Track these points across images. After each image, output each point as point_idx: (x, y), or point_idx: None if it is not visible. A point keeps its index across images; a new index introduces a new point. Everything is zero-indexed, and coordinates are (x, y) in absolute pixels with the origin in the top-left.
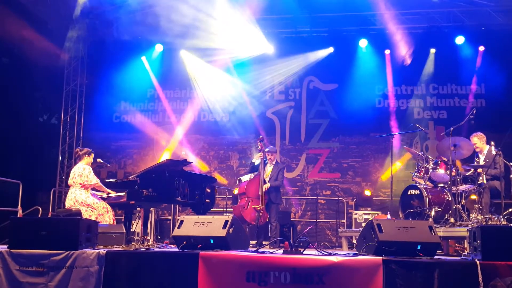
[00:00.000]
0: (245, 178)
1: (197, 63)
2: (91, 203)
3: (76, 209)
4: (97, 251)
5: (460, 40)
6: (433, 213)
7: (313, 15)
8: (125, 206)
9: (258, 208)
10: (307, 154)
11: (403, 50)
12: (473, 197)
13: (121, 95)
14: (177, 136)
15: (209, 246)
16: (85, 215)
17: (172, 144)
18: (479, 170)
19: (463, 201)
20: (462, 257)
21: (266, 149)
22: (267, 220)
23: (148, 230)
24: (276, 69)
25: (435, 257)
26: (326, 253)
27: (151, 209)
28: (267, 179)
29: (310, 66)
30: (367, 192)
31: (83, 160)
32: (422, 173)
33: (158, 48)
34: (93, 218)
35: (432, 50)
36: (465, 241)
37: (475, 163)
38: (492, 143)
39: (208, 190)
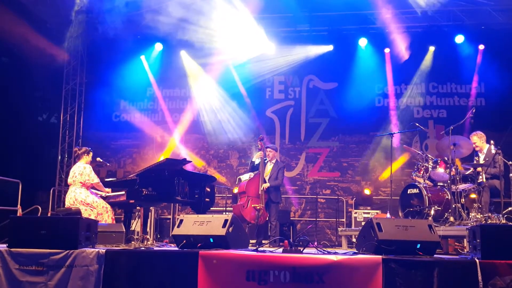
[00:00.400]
0: (245, 177)
1: (196, 62)
2: (91, 202)
3: (75, 208)
4: (96, 250)
5: (460, 39)
6: (432, 212)
7: (313, 14)
8: (124, 205)
9: (258, 207)
10: (307, 153)
11: (403, 49)
12: (473, 196)
13: (121, 94)
14: (177, 135)
15: (209, 245)
16: (85, 214)
17: (171, 143)
18: (479, 169)
19: (463, 200)
20: (461, 256)
21: (267, 146)
22: (267, 219)
23: (148, 229)
24: (276, 68)
25: (435, 256)
26: (326, 252)
27: (151, 208)
28: (266, 178)
29: (310, 65)
30: (367, 191)
31: (82, 159)
32: (421, 172)
33: (158, 47)
34: (92, 217)
35: (431, 48)
36: (465, 240)
37: (475, 162)
38: (492, 142)
39: (208, 189)
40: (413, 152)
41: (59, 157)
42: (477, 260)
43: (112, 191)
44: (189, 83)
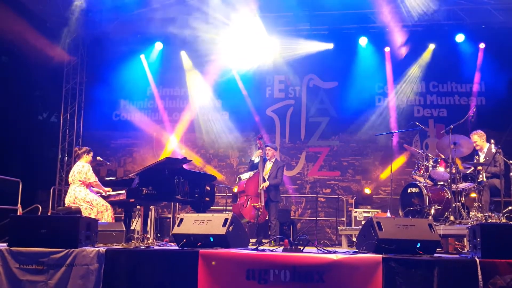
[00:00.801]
0: (245, 176)
1: (197, 61)
2: (91, 200)
3: (75, 207)
4: (97, 249)
5: (460, 38)
6: (433, 211)
7: (313, 13)
8: (125, 204)
9: (258, 206)
10: (307, 152)
11: (403, 48)
12: (473, 195)
13: (121, 93)
14: (177, 134)
15: (209, 244)
16: (85, 212)
17: (171, 142)
18: (479, 168)
19: (463, 199)
20: (461, 255)
21: (266, 145)
22: (267, 218)
23: (148, 228)
24: (276, 67)
25: (435, 255)
26: (326, 251)
27: (151, 207)
28: (266, 177)
29: (310, 64)
30: (367, 190)
31: (83, 158)
32: (422, 171)
33: (158, 46)
34: (92, 215)
35: (431, 45)
36: (465, 239)
37: (475, 161)
38: (492, 141)
39: (208, 188)
40: (413, 151)
41: (59, 156)
42: (477, 259)
43: (112, 190)
44: (189, 82)
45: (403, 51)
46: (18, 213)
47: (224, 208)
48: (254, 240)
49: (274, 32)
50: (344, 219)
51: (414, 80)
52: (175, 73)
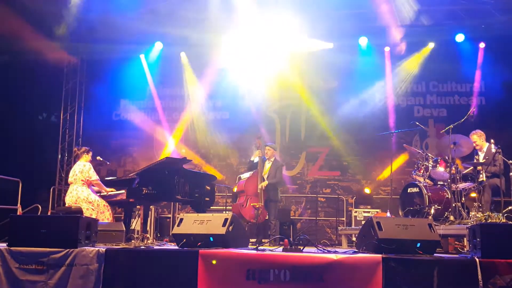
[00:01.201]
0: (245, 176)
1: (196, 61)
2: (93, 201)
3: (76, 207)
4: (96, 249)
5: (460, 37)
6: (432, 211)
7: (313, 13)
8: (124, 204)
9: (257, 206)
10: (307, 152)
11: (403, 48)
12: (473, 195)
13: (121, 93)
14: (177, 134)
15: (209, 244)
16: (86, 213)
17: (171, 142)
18: (479, 168)
19: (463, 199)
20: (461, 255)
21: (266, 144)
22: (266, 218)
23: (148, 228)
24: (276, 66)
25: (435, 255)
26: (326, 251)
27: (151, 207)
28: (265, 177)
29: (310, 64)
30: (367, 190)
31: (82, 158)
32: (421, 171)
33: (158, 46)
34: (94, 215)
35: (431, 44)
36: (465, 239)
37: (475, 161)
38: (492, 140)
39: (208, 188)
40: (413, 151)
41: (59, 156)
42: (477, 259)
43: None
44: (189, 82)
45: (403, 50)
46: (18, 213)
47: (224, 208)
48: (254, 240)
49: (274, 32)
50: (344, 219)
51: (414, 80)
52: (175, 73)
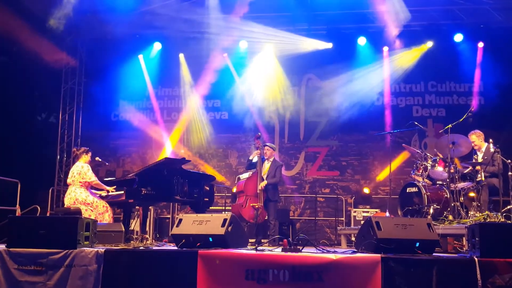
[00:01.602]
0: (244, 176)
1: (195, 61)
2: (91, 202)
3: (75, 208)
4: (95, 249)
5: (458, 37)
6: (431, 210)
7: (312, 13)
8: (124, 204)
9: (257, 206)
10: (306, 152)
11: (402, 48)
12: (472, 194)
13: (120, 94)
14: (176, 134)
15: (208, 245)
16: (85, 214)
17: (170, 142)
18: (478, 167)
19: (462, 198)
20: (460, 254)
21: (265, 144)
22: (266, 218)
23: (147, 229)
24: (274, 66)
25: (434, 254)
26: (325, 251)
27: (150, 207)
28: (264, 177)
29: (309, 64)
30: (366, 190)
31: (81, 159)
32: (420, 171)
33: (157, 46)
34: (93, 217)
35: (429, 43)
36: (464, 238)
37: (474, 161)
38: (491, 140)
39: (207, 188)
40: (412, 151)
41: (58, 157)
42: (476, 259)
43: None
44: (188, 82)
45: (404, 54)
46: (17, 214)
47: (223, 208)
48: (253, 240)
49: (273, 32)
50: (343, 219)
51: (412, 80)
52: (173, 73)
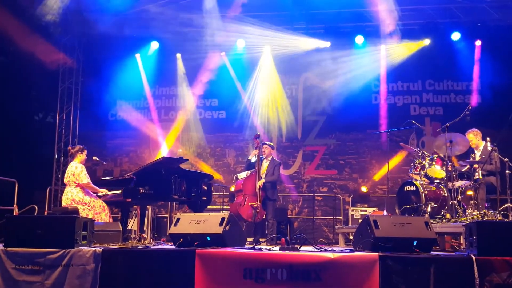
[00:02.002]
0: (242, 175)
1: (193, 60)
2: (88, 202)
3: (72, 208)
4: (93, 249)
5: (456, 36)
6: (429, 209)
7: (309, 12)
8: (121, 204)
9: (255, 205)
10: (304, 151)
11: (399, 46)
12: (469, 192)
13: (117, 93)
14: (173, 133)
15: (206, 243)
16: (83, 214)
17: (168, 141)
18: (475, 166)
19: (459, 197)
20: (458, 252)
21: (264, 143)
22: (264, 217)
23: (145, 228)
24: (272, 66)
25: (431, 252)
26: (323, 250)
27: (148, 206)
28: (263, 176)
29: (306, 63)
30: (364, 189)
31: (77, 158)
32: (418, 169)
33: (154, 45)
34: (90, 216)
35: (426, 41)
36: (461, 236)
37: (471, 159)
38: (488, 139)
39: (205, 187)
40: (409, 149)
41: (55, 156)
42: (473, 257)
43: (109, 190)
44: (185, 81)
45: (401, 53)
46: (14, 214)
47: (221, 207)
48: (251, 239)
49: (270, 31)
50: (341, 217)
51: (410, 79)
52: (171, 72)
